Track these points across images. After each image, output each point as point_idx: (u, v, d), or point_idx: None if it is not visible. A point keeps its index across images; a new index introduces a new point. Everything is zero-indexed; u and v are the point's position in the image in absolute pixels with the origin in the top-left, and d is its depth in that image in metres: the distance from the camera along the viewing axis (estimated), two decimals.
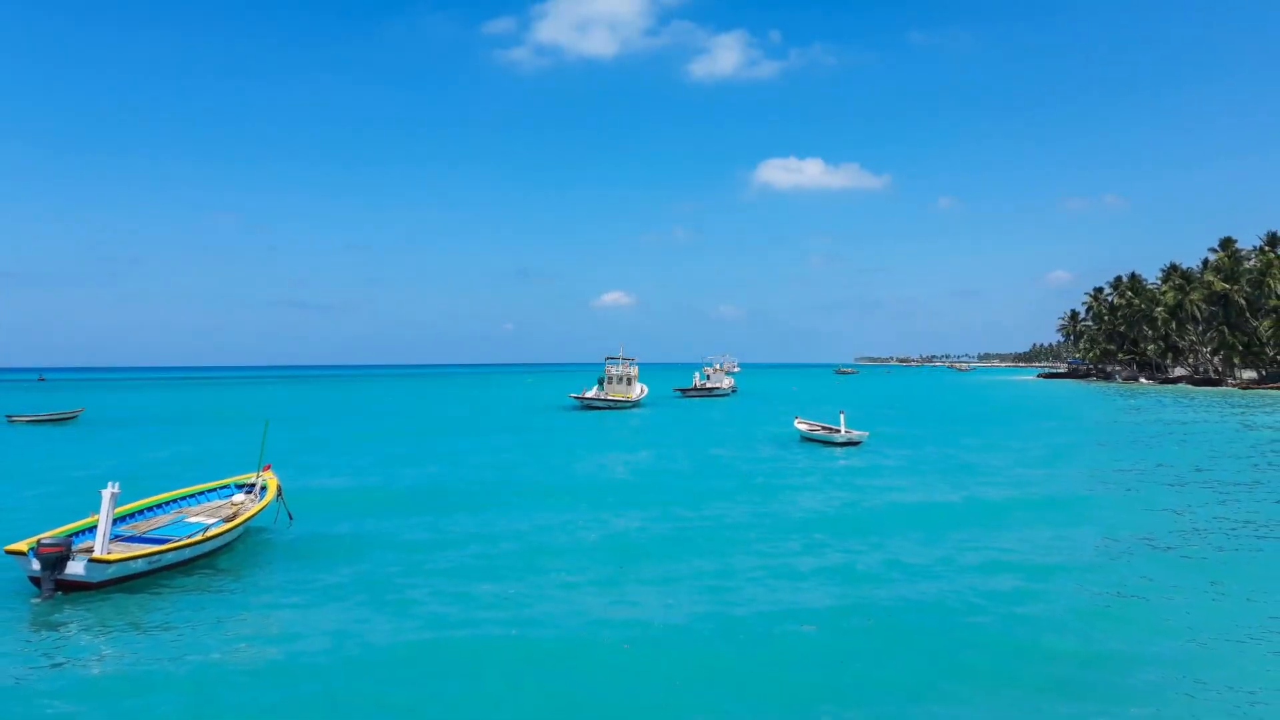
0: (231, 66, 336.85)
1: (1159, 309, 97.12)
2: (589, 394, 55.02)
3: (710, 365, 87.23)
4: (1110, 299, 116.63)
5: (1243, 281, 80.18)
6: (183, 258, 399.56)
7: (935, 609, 9.95)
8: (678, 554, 12.95)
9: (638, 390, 57.72)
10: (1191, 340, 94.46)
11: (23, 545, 10.52)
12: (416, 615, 9.83)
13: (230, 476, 16.70)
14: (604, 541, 13.99)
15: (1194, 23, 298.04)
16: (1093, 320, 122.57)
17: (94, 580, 10.56)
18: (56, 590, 10.37)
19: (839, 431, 30.26)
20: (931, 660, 8.25)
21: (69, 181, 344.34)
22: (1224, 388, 78.88)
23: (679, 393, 72.95)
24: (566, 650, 8.65)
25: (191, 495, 15.02)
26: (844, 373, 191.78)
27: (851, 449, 28.55)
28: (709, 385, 74.99)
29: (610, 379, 57.71)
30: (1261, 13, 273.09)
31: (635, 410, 53.12)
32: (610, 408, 53.88)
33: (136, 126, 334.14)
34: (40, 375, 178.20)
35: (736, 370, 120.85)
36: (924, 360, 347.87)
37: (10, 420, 44.12)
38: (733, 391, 77.68)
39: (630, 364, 59.11)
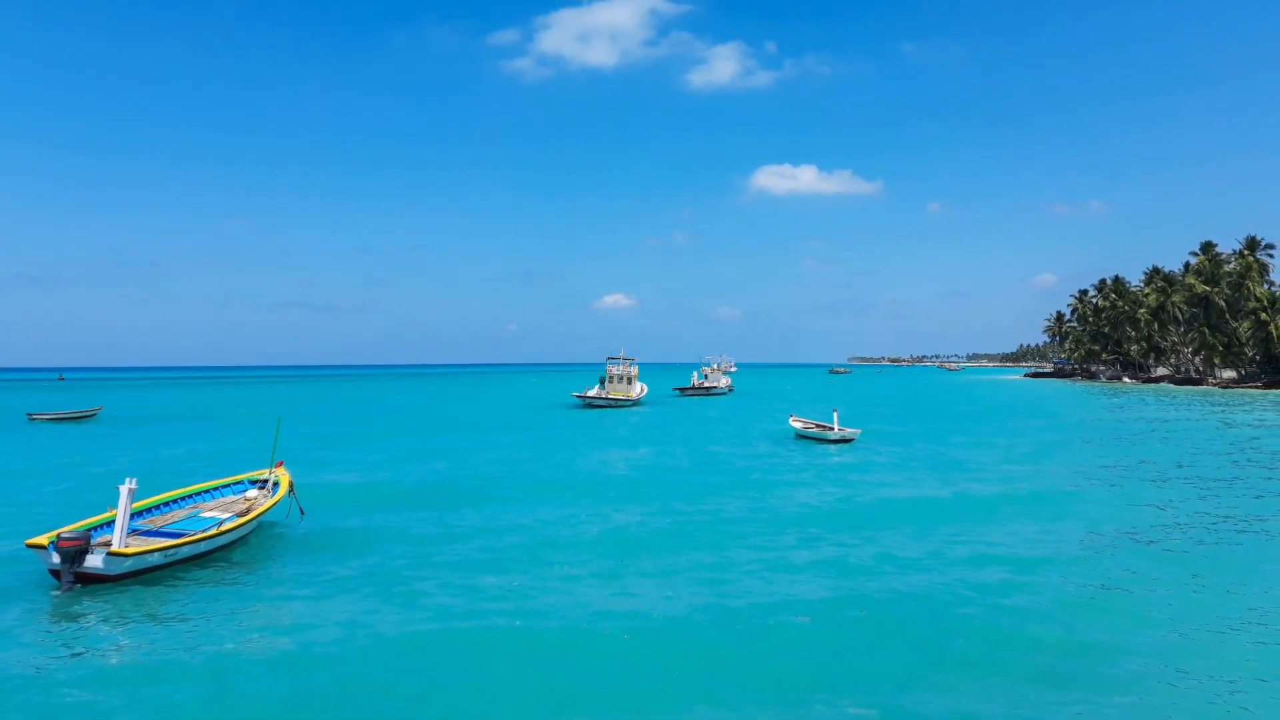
0: (247, 76, 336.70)
1: (1142, 311, 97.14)
2: (590, 393, 55.01)
3: (708, 365, 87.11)
4: (1095, 301, 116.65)
5: (1223, 284, 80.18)
6: (197, 261, 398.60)
7: (925, 601, 9.96)
8: (676, 547, 12.95)
9: (638, 389, 57.71)
10: (1173, 341, 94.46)
11: (43, 539, 10.52)
12: (424, 606, 9.84)
13: (244, 472, 16.71)
14: (605, 535, 13.99)
15: (1176, 32, 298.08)
16: (1078, 321, 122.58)
17: (112, 573, 10.57)
18: (76, 583, 10.37)
19: (832, 429, 30.26)
20: (921, 650, 8.26)
21: (87, 187, 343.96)
22: (1204, 387, 78.86)
23: (678, 392, 72.93)
24: (569, 640, 8.65)
25: (206, 491, 15.02)
26: (837, 372, 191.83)
27: (844, 446, 28.55)
28: (707, 384, 74.95)
29: (611, 378, 57.70)
30: (1239, 21, 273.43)
31: (635, 409, 53.10)
32: (611, 406, 53.87)
33: (153, 133, 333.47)
34: (60, 375, 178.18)
35: (733, 370, 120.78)
36: (915, 360, 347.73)
37: (31, 418, 44.12)
38: (730, 391, 77.64)
39: (630, 364, 59.10)
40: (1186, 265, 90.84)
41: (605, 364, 59.51)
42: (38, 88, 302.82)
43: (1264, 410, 46.09)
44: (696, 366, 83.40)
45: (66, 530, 10.59)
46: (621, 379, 57.54)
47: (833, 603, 9.93)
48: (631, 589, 10.59)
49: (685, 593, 10.35)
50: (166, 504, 13.99)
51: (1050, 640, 8.48)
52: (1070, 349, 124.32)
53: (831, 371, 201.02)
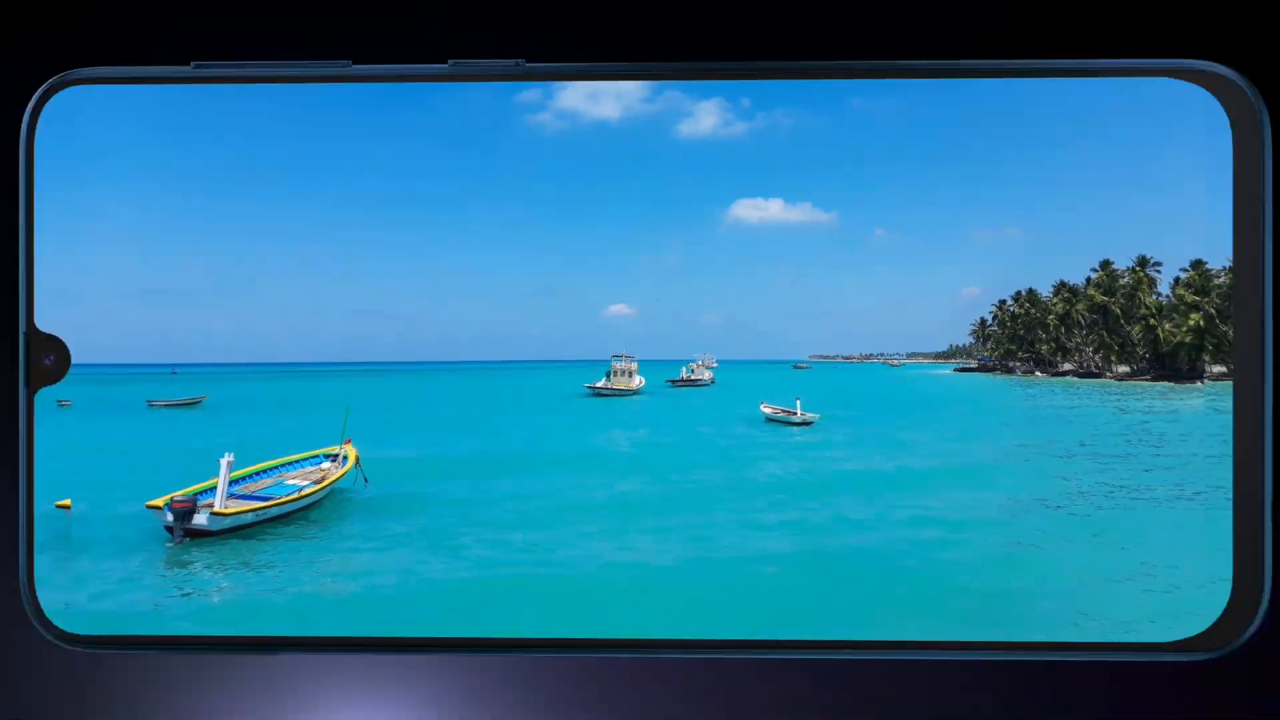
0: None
1: (1051, 317, 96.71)
2: (599, 384, 54.97)
3: (695, 361, 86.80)
4: (1012, 309, 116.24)
5: (1118, 295, 79.98)
6: (286, 276, 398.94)
7: (873, 555, 9.95)
8: (669, 510, 12.94)
9: (637, 381, 57.47)
10: (1077, 341, 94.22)
11: (159, 501, 10.59)
12: (465, 557, 9.87)
13: (319, 448, 16.73)
14: (611, 500, 13.98)
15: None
16: (998, 325, 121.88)
17: (214, 529, 10.61)
18: (185, 537, 10.42)
19: (796, 414, 30.20)
20: (869, 595, 8.28)
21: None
22: (1103, 380, 78.53)
23: (670, 383, 72.90)
24: (583, 585, 8.73)
25: (289, 463, 15.01)
26: (800, 367, 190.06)
27: (806, 428, 28.43)
28: (694, 377, 74.42)
29: (615, 372, 57.37)
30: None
31: (635, 397, 52.96)
32: (616, 395, 53.75)
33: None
34: (173, 369, 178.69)
35: (715, 365, 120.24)
36: (864, 358, 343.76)
37: (150, 405, 44.25)
38: (713, 383, 77.37)
39: (631, 360, 59.00)
40: (1088, 280, 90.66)
41: (610, 361, 59.52)
42: None
43: (1152, 399, 45.85)
44: (685, 363, 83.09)
45: (178, 494, 10.66)
46: (624, 373, 57.27)
47: (796, 556, 9.94)
48: (633, 544, 10.61)
49: (676, 547, 10.38)
50: (257, 473, 14.00)
51: (976, 588, 8.48)
52: (992, 348, 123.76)
53: (795, 367, 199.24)
